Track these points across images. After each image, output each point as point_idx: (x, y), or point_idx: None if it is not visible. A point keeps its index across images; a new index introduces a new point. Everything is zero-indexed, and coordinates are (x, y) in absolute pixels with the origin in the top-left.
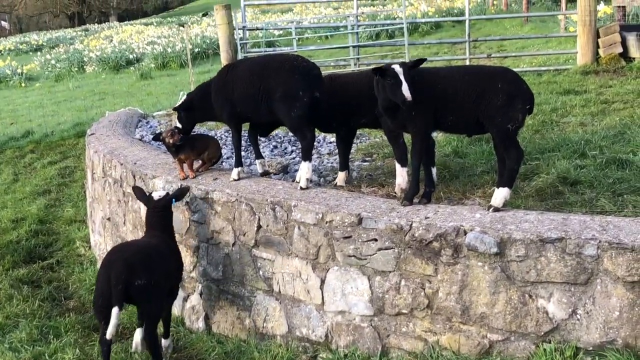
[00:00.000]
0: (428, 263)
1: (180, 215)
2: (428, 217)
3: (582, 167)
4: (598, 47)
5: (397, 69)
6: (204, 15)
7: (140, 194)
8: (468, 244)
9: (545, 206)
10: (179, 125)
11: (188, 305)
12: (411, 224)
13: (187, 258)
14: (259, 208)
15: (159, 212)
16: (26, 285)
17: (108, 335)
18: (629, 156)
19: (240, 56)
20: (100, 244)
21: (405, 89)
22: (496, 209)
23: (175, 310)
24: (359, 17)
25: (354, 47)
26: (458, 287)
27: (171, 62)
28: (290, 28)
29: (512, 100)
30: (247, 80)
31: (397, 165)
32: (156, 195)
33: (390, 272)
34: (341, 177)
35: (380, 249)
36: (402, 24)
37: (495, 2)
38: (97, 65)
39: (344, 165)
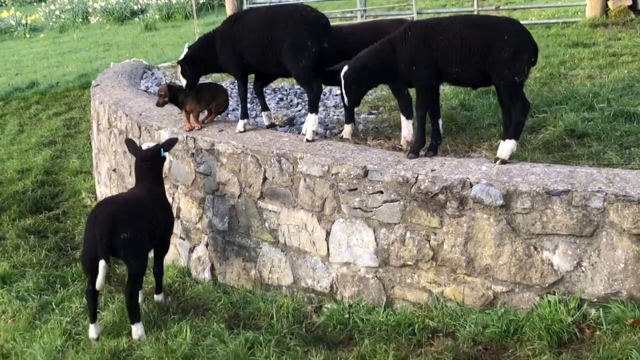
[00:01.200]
0: (433, 215)
1: (185, 167)
2: (434, 170)
3: (590, 120)
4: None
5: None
6: None
7: (131, 146)
8: (474, 197)
9: (552, 159)
10: (182, 80)
11: (194, 256)
12: (417, 177)
13: (192, 209)
14: (264, 160)
15: (148, 162)
16: (32, 235)
17: (98, 286)
18: (637, 109)
19: (245, 6)
20: (106, 195)
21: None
22: (503, 162)
23: (182, 261)
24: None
25: None
26: (463, 239)
27: (176, 13)
28: None
29: (519, 52)
30: (254, 31)
31: (402, 118)
32: (145, 147)
33: (395, 224)
34: (347, 129)
35: (385, 201)
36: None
37: None
38: (101, 16)
39: (350, 117)
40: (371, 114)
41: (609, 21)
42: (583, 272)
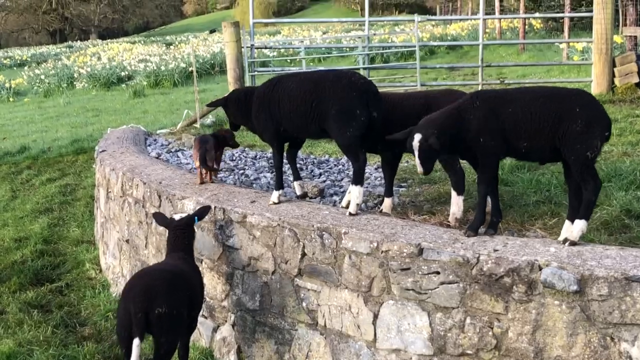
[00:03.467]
0: (498, 300)
1: (212, 240)
2: (497, 250)
3: None
4: (614, 76)
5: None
6: (211, 32)
7: (161, 219)
8: (544, 281)
9: (615, 240)
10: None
11: (218, 337)
12: (478, 257)
13: (218, 286)
14: (303, 234)
15: (182, 232)
16: (36, 310)
17: None
18: None
19: (247, 75)
20: (115, 267)
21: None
22: (572, 243)
23: (203, 341)
24: (370, 38)
25: (364, 69)
26: (531, 327)
27: (164, 80)
28: (300, 48)
29: (591, 125)
30: (297, 96)
31: (453, 193)
32: (177, 217)
33: (453, 308)
34: (387, 203)
35: (442, 283)
36: (414, 47)
37: (487, 31)
38: (87, 81)
39: (390, 191)
40: (401, 186)
41: (615, 98)
42: None
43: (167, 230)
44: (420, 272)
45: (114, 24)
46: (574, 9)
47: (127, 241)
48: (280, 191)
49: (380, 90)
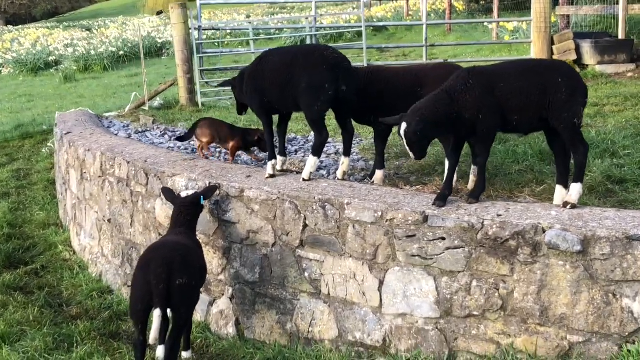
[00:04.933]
0: (503, 262)
1: (207, 215)
2: (500, 215)
3: (622, 167)
4: (552, 53)
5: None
6: (158, 14)
7: (169, 195)
8: (549, 242)
9: (604, 204)
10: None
11: (215, 310)
12: (483, 222)
13: (214, 260)
14: (304, 206)
15: (187, 208)
16: (17, 292)
17: (151, 340)
18: None
19: (196, 56)
20: (92, 247)
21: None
22: (573, 206)
23: (198, 315)
24: (317, 19)
25: None
26: (536, 287)
27: (94, 64)
28: (248, 29)
29: (574, 94)
30: (276, 69)
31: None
32: (184, 194)
33: (459, 272)
34: (379, 175)
35: (448, 248)
36: (361, 27)
37: (411, 13)
38: (13, 67)
39: (381, 163)
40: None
41: None
42: None
43: (159, 207)
44: (425, 239)
45: (22, 10)
46: None
47: (109, 221)
48: (274, 161)
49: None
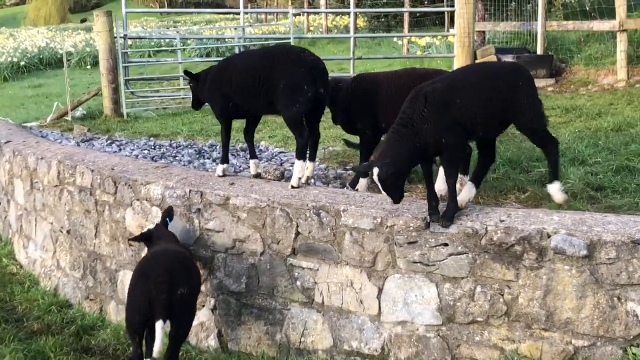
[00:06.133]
0: (508, 268)
1: (187, 224)
2: (503, 220)
3: (596, 174)
4: None
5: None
6: (82, 21)
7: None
8: (555, 247)
9: (597, 210)
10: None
11: (194, 322)
12: (486, 228)
13: None
14: (296, 214)
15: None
16: None
17: (155, 354)
18: (636, 165)
19: (121, 64)
20: (45, 260)
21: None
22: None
23: None
24: (245, 30)
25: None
26: (542, 292)
27: None
28: (175, 38)
29: (535, 95)
30: (247, 72)
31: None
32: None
33: (462, 278)
34: (363, 183)
35: (451, 254)
36: (289, 38)
37: (312, 28)
38: None
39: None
40: (345, 169)
41: None
42: None
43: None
44: (427, 245)
45: None
46: (414, 6)
47: (68, 232)
48: (225, 165)
49: None
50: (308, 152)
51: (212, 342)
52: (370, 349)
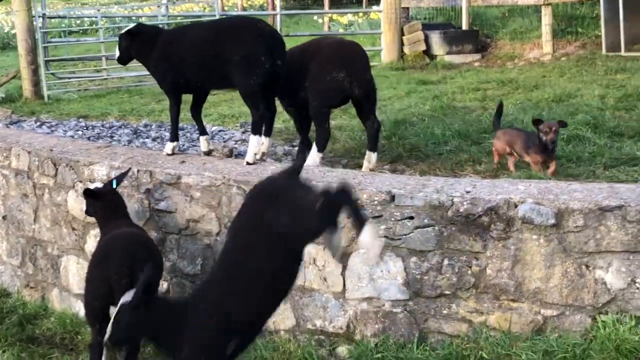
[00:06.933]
0: (476, 239)
1: (135, 205)
2: (469, 192)
3: None
4: (402, 44)
5: None
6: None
7: (90, 193)
8: (522, 217)
9: (563, 178)
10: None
11: None
12: (452, 199)
13: None
14: None
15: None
16: None
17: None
18: (585, 133)
19: (40, 45)
20: None
21: None
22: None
23: None
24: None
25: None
26: (510, 262)
27: None
28: (97, 17)
29: None
30: (198, 44)
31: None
32: (92, 186)
33: (429, 251)
34: (317, 158)
35: (417, 227)
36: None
37: (226, 8)
38: None
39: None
40: (292, 146)
41: (405, 65)
42: (638, 288)
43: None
44: (393, 219)
45: None
46: None
47: (4, 217)
48: (175, 143)
49: None
50: (265, 127)
51: None
52: (335, 327)
